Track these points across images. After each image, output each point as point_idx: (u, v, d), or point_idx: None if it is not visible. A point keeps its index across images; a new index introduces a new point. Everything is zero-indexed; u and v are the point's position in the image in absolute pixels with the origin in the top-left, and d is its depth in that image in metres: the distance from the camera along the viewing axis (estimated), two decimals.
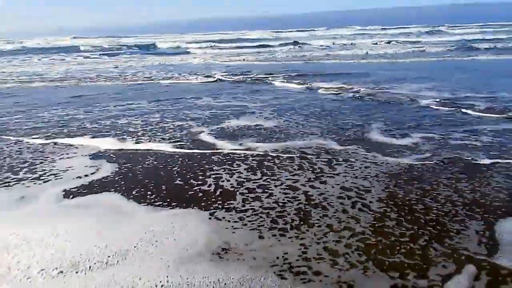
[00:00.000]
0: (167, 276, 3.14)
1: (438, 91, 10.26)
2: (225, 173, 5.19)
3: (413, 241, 3.48)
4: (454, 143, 6.11)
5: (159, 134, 7.19)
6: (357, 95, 10.31)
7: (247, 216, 4.01)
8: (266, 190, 4.62)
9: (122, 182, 4.99)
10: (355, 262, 3.22)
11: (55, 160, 5.90)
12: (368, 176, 4.91)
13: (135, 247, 3.52)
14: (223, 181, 4.94)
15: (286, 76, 14.10)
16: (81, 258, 3.39)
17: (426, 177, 4.83)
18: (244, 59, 21.68)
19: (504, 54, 19.03)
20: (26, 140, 7.04)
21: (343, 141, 6.38)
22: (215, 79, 14.41)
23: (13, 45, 37.08)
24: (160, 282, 3.08)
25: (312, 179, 4.90)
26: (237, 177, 5.04)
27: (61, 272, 3.22)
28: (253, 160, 5.66)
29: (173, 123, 7.98)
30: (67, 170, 5.49)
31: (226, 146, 6.35)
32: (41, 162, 5.82)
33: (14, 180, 5.20)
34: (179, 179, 5.07)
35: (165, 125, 7.84)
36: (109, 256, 3.41)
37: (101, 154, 6.14)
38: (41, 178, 5.22)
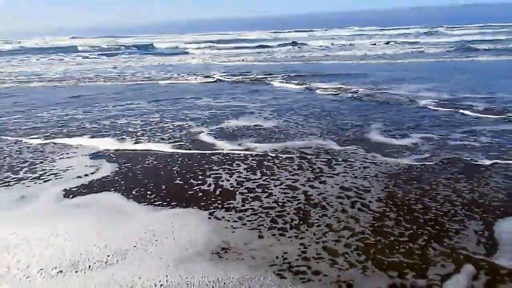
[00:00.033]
0: (167, 276, 3.14)
1: (437, 92, 10.29)
2: (225, 173, 5.19)
3: (412, 240, 3.49)
4: (453, 144, 6.13)
5: (158, 134, 7.19)
6: (356, 96, 10.33)
7: (247, 216, 4.02)
8: (265, 190, 4.62)
9: (122, 182, 4.99)
10: (354, 261, 3.23)
11: (55, 160, 5.90)
12: (368, 176, 4.92)
13: (134, 246, 3.52)
14: (222, 180, 4.94)
15: (285, 77, 14.11)
16: (81, 257, 3.39)
17: (425, 177, 4.84)
18: (243, 60, 21.69)
19: (503, 55, 19.09)
20: (26, 140, 7.03)
21: (343, 142, 6.39)
22: (215, 79, 14.42)
23: (12, 45, 37.00)
24: (160, 281, 3.08)
25: (311, 179, 4.91)
26: (237, 176, 5.05)
27: (61, 271, 3.22)
28: (252, 160, 5.66)
29: (173, 123, 7.98)
30: (67, 169, 5.49)
31: (225, 146, 6.35)
32: (41, 162, 5.82)
33: (14, 179, 5.20)
34: (178, 178, 5.07)
35: (164, 125, 7.84)
36: (108, 256, 3.41)
37: (100, 154, 6.13)
38: (41, 177, 5.22)
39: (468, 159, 5.42)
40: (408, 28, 43.56)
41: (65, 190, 4.77)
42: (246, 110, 9.03)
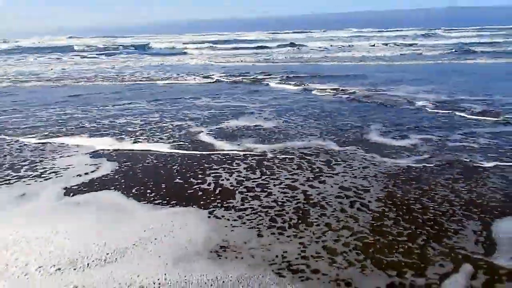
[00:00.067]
0: (165, 274, 3.14)
1: (436, 94, 10.33)
2: (225, 172, 5.20)
3: (411, 240, 3.50)
4: (452, 145, 6.16)
5: (158, 133, 7.19)
6: (355, 97, 10.35)
7: (246, 215, 4.02)
8: (265, 189, 4.63)
9: (122, 180, 4.99)
10: (353, 260, 3.24)
11: (55, 158, 5.90)
12: (367, 176, 4.94)
13: (134, 245, 3.52)
14: (222, 180, 4.95)
15: (284, 78, 14.13)
16: (80, 255, 3.38)
17: (424, 178, 4.86)
18: (242, 60, 21.70)
19: (501, 58, 19.18)
20: (25, 139, 7.01)
21: (342, 142, 6.40)
22: (214, 80, 14.42)
23: (8, 44, 36.84)
24: (158, 279, 3.08)
25: (311, 178, 4.92)
26: (237, 176, 5.06)
27: (59, 269, 3.22)
28: (252, 159, 5.67)
29: (172, 122, 7.98)
30: (68, 168, 5.49)
31: (225, 146, 6.35)
32: (41, 161, 5.81)
33: (15, 177, 5.20)
34: (178, 177, 5.08)
35: (164, 124, 7.84)
36: (107, 254, 3.40)
37: (100, 153, 6.13)
38: (42, 176, 5.22)
39: (467, 160, 5.45)
40: (406, 30, 43.72)
41: (65, 188, 4.78)
42: (246, 110, 9.04)
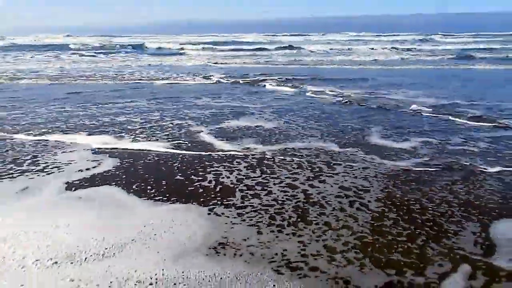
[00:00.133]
0: (163, 270, 3.12)
1: (436, 98, 10.38)
2: (225, 170, 5.20)
3: (410, 240, 3.50)
4: (451, 149, 6.18)
5: (158, 132, 7.18)
6: (355, 100, 10.38)
7: (246, 213, 4.02)
8: (265, 188, 4.63)
9: (123, 177, 5.00)
10: (352, 259, 3.24)
11: (57, 154, 5.90)
12: (368, 177, 4.95)
13: (133, 240, 3.50)
14: (223, 177, 4.95)
15: (283, 80, 14.17)
16: (78, 249, 3.36)
17: (423, 179, 4.87)
18: (241, 62, 21.75)
19: (500, 64, 19.31)
20: (27, 135, 7.00)
21: (343, 144, 6.42)
22: (214, 80, 14.44)
23: (3, 42, 36.73)
24: (156, 275, 3.06)
25: (311, 178, 4.93)
26: (237, 174, 5.06)
27: (56, 263, 3.20)
28: (252, 158, 5.67)
29: (172, 121, 7.98)
30: (69, 163, 5.49)
31: (225, 146, 6.35)
32: (43, 156, 5.80)
33: (18, 171, 5.20)
34: (179, 174, 5.08)
35: (164, 123, 7.84)
36: (106, 249, 3.38)
37: (101, 150, 6.12)
38: (44, 170, 5.23)
39: (466, 163, 5.47)
40: (404, 35, 43.90)
41: (67, 183, 4.78)
42: (246, 111, 9.05)
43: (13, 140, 6.70)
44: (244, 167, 5.32)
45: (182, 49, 30.85)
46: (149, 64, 20.39)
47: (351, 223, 3.79)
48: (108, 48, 31.43)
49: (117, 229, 3.68)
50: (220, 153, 5.95)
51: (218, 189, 4.61)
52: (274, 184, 4.74)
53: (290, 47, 31.01)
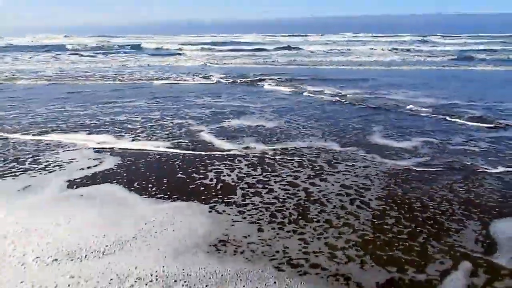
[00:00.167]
0: (163, 266, 3.12)
1: (436, 98, 10.38)
2: (226, 168, 5.20)
3: (411, 238, 3.50)
4: (452, 148, 6.18)
5: (158, 131, 7.18)
6: (355, 100, 10.38)
7: (247, 210, 4.02)
8: (266, 186, 4.63)
9: (125, 175, 5.01)
10: (353, 256, 3.23)
11: (59, 153, 5.91)
12: (369, 175, 4.96)
13: (133, 237, 3.50)
14: (224, 175, 4.96)
15: (283, 80, 14.17)
16: (78, 247, 3.36)
17: (424, 178, 4.87)
18: (240, 62, 21.75)
19: (499, 65, 19.32)
20: (28, 134, 7.00)
21: (344, 143, 6.42)
22: (214, 81, 14.43)
23: (2, 42, 36.71)
24: (156, 271, 3.06)
25: (312, 176, 4.93)
26: (238, 172, 5.07)
27: (56, 260, 3.19)
28: (253, 157, 5.67)
29: (173, 121, 7.98)
30: (71, 162, 5.50)
31: (226, 145, 6.35)
32: (44, 155, 5.81)
33: (21, 170, 5.21)
34: (180, 172, 5.09)
35: (164, 122, 7.84)
36: (106, 246, 3.38)
37: (103, 149, 6.12)
38: (46, 168, 5.24)
39: (467, 163, 5.47)
40: (403, 35, 43.90)
41: (68, 181, 4.79)
42: (247, 110, 9.05)
43: (14, 139, 6.70)
44: (245, 165, 5.33)
45: (180, 49, 30.81)
46: (148, 64, 20.38)
47: (352, 221, 3.79)
48: (107, 49, 31.39)
49: (118, 226, 3.68)
50: (221, 152, 5.95)
51: (219, 187, 4.61)
52: (275, 182, 4.74)
53: (289, 47, 31.01)
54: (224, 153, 5.89)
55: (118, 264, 3.14)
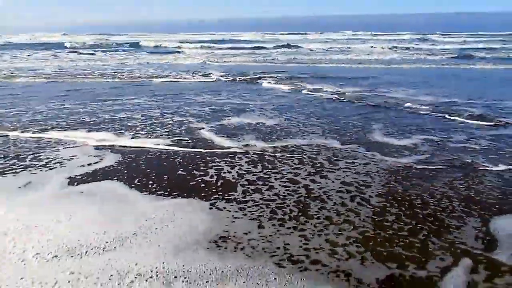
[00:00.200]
0: (163, 263, 3.12)
1: (436, 96, 10.38)
2: (226, 165, 5.20)
3: (412, 234, 3.50)
4: (452, 146, 6.19)
5: (158, 129, 7.17)
6: (355, 98, 10.37)
7: (248, 207, 4.02)
8: (266, 183, 4.63)
9: (125, 171, 5.01)
10: (354, 252, 3.23)
11: (59, 150, 5.91)
12: (369, 172, 4.96)
13: (134, 234, 3.49)
14: (224, 172, 4.96)
15: (283, 78, 14.14)
16: (78, 243, 3.36)
17: (424, 175, 4.88)
18: (240, 60, 21.71)
19: (499, 64, 19.32)
20: (28, 131, 6.98)
21: (344, 141, 6.41)
22: (214, 78, 14.40)
23: (0, 40, 36.58)
24: (156, 268, 3.05)
25: (312, 173, 4.93)
26: (238, 169, 5.06)
27: (56, 256, 3.19)
28: (253, 154, 5.67)
29: (173, 118, 7.96)
30: (71, 159, 5.49)
31: (226, 143, 6.34)
32: (45, 152, 5.80)
33: (21, 166, 5.20)
34: (181, 169, 5.09)
35: (164, 120, 7.82)
36: (106, 242, 3.37)
37: (103, 146, 6.12)
38: (47, 165, 5.23)
39: (466, 160, 5.47)
40: (402, 34, 43.85)
41: (69, 178, 4.78)
42: (247, 108, 9.04)
43: (15, 136, 6.69)
44: (245, 162, 5.32)
45: (180, 47, 30.72)
46: (148, 62, 20.33)
47: (352, 218, 3.79)
48: (105, 47, 31.28)
49: (118, 223, 3.67)
50: (221, 149, 5.94)
51: (219, 184, 4.61)
52: (276, 179, 4.74)
53: (288, 45, 30.95)
54: (224, 150, 5.88)
55: (118, 261, 3.13)
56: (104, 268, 3.04)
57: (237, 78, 14.17)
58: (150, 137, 6.60)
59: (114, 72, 16.17)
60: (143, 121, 7.74)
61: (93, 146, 6.11)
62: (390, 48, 28.44)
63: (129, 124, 7.50)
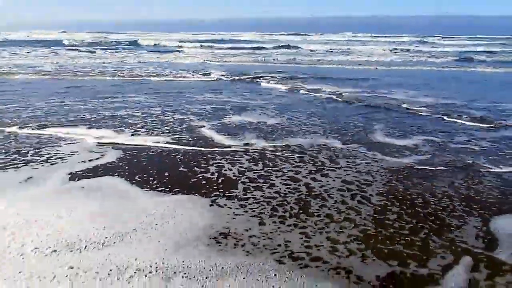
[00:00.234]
0: (163, 258, 3.10)
1: (436, 98, 10.38)
2: (227, 163, 5.19)
3: (413, 233, 3.49)
4: (453, 147, 6.19)
5: (159, 127, 7.15)
6: (356, 99, 10.37)
7: (249, 204, 4.00)
8: (267, 181, 4.62)
9: (126, 168, 4.99)
10: (355, 250, 3.22)
11: (61, 146, 5.89)
12: (370, 171, 4.96)
13: (134, 229, 3.48)
14: (225, 170, 4.95)
15: (284, 78, 14.14)
16: (78, 238, 3.34)
17: (424, 175, 4.88)
18: (240, 60, 21.71)
19: (499, 67, 19.37)
20: (28, 128, 6.95)
21: (345, 140, 6.41)
22: (215, 78, 14.40)
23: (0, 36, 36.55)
24: (156, 263, 3.04)
25: (313, 171, 4.92)
26: (239, 167, 5.06)
27: (55, 251, 3.17)
28: (254, 153, 5.66)
29: (173, 116, 7.95)
30: (73, 155, 5.48)
31: (227, 141, 6.32)
32: (46, 148, 5.78)
33: (23, 162, 5.18)
34: (182, 166, 5.08)
35: (165, 118, 7.81)
36: (106, 238, 3.36)
37: (104, 142, 6.10)
38: (48, 161, 5.22)
39: (467, 161, 5.47)
40: (402, 36, 43.93)
41: (70, 173, 4.77)
42: (248, 107, 9.04)
43: (16, 132, 6.66)
44: (246, 160, 5.31)
45: (180, 46, 30.68)
46: (148, 61, 20.30)
47: (353, 216, 3.78)
48: (104, 45, 31.23)
49: (118, 218, 3.66)
50: (222, 148, 5.93)
51: (220, 181, 4.60)
52: (277, 177, 4.73)
53: (288, 46, 30.98)
54: (225, 149, 5.87)
55: (118, 256, 3.12)
56: (104, 263, 3.02)
57: (238, 78, 14.17)
58: (151, 135, 6.58)
59: (114, 70, 16.15)
60: (144, 118, 7.72)
61: (94, 142, 6.09)
62: (390, 50, 28.48)
63: (130, 121, 7.48)
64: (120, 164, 5.12)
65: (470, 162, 5.41)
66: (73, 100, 9.49)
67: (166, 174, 4.80)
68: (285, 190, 4.35)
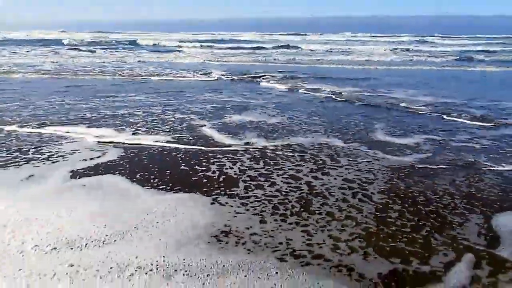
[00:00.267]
0: (164, 256, 3.09)
1: (436, 97, 10.38)
2: (229, 161, 5.17)
3: (415, 230, 3.48)
4: (453, 145, 6.19)
5: (159, 126, 7.13)
6: (356, 98, 10.36)
7: (250, 202, 3.99)
8: (268, 179, 4.61)
9: (127, 166, 4.98)
10: (357, 247, 3.21)
11: (62, 144, 5.88)
12: (371, 170, 4.95)
13: (135, 227, 3.46)
14: (226, 168, 4.94)
15: (284, 77, 14.14)
16: (78, 236, 3.32)
17: (425, 173, 4.86)
18: (240, 60, 21.70)
19: (499, 66, 19.37)
20: (29, 126, 6.94)
21: (346, 139, 6.40)
22: (215, 77, 14.39)
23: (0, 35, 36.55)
24: (156, 261, 3.02)
25: (314, 170, 4.91)
26: (240, 165, 5.04)
27: (55, 248, 3.16)
28: (255, 151, 5.65)
29: (174, 115, 7.94)
30: (74, 153, 5.47)
31: (228, 140, 6.31)
32: (47, 146, 5.77)
33: (24, 160, 5.18)
34: (183, 164, 5.07)
35: (166, 117, 7.79)
36: (106, 235, 3.34)
37: (105, 141, 6.09)
38: (50, 159, 5.21)
39: (468, 159, 5.46)
40: (402, 36, 43.92)
41: (71, 171, 4.76)
42: (248, 106, 9.03)
43: (16, 130, 6.64)
44: (247, 159, 5.30)
45: (180, 46, 30.67)
46: (148, 61, 20.29)
47: (355, 214, 3.77)
48: (104, 44, 31.21)
49: (119, 216, 3.64)
50: (222, 147, 5.91)
51: (221, 179, 4.59)
52: (278, 175, 4.72)
53: (288, 46, 30.97)
54: (226, 148, 5.86)
55: (119, 254, 3.10)
56: (104, 261, 3.01)
57: (238, 77, 14.16)
58: (151, 134, 6.57)
59: (114, 70, 16.13)
60: (145, 117, 7.71)
61: (95, 141, 6.08)
62: (390, 50, 28.48)
63: (131, 120, 7.47)
64: (121, 162, 5.11)
65: (471, 160, 5.40)
66: (74, 99, 9.47)
67: (167, 172, 4.79)
68: (286, 189, 4.34)
